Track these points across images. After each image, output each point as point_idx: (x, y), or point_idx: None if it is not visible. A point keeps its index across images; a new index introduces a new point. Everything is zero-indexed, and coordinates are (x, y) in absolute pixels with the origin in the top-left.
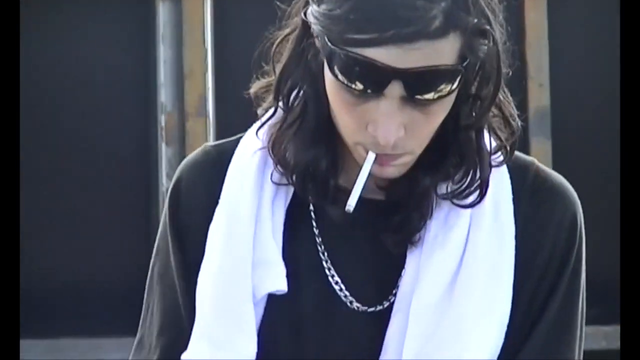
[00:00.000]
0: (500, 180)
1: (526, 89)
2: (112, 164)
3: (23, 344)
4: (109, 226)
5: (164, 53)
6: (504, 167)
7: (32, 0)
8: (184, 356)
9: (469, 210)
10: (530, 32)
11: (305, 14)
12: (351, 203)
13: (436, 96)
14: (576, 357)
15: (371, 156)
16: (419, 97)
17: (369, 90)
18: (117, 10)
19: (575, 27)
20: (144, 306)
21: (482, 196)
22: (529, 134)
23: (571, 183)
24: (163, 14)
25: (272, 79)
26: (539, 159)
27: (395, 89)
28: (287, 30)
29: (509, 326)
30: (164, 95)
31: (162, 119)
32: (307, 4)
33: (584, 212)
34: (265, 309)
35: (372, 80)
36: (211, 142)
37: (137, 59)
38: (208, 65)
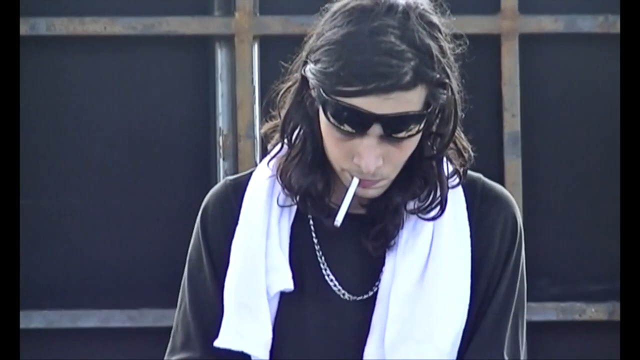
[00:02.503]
0: (456, 192)
1: (502, 118)
2: (179, 175)
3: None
4: (173, 223)
5: (221, 88)
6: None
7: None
8: (215, 343)
9: None
10: (505, 73)
11: (304, 70)
12: (338, 219)
13: (407, 135)
14: (518, 322)
15: (355, 181)
16: (394, 135)
17: (354, 131)
18: (186, 55)
19: (543, 67)
20: (180, 297)
21: (442, 211)
22: (504, 154)
23: (538, 193)
24: (221, 58)
25: (278, 121)
26: (512, 173)
27: (375, 130)
28: (289, 83)
29: (469, 307)
30: (221, 121)
31: (220, 140)
32: (305, 63)
33: (546, 219)
34: (278, 304)
35: (357, 123)
36: (231, 176)
37: (201, 93)
38: (255, 98)
